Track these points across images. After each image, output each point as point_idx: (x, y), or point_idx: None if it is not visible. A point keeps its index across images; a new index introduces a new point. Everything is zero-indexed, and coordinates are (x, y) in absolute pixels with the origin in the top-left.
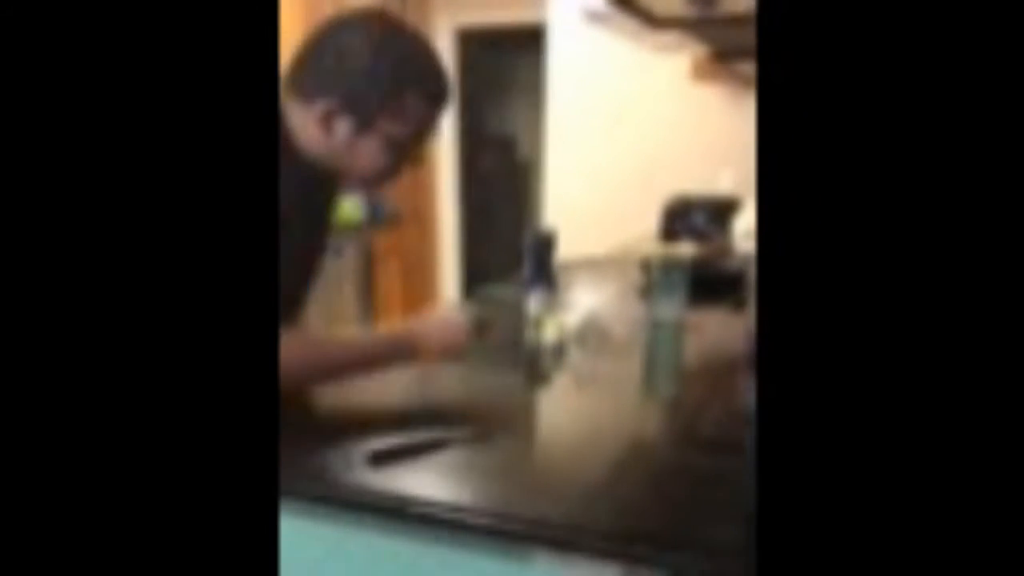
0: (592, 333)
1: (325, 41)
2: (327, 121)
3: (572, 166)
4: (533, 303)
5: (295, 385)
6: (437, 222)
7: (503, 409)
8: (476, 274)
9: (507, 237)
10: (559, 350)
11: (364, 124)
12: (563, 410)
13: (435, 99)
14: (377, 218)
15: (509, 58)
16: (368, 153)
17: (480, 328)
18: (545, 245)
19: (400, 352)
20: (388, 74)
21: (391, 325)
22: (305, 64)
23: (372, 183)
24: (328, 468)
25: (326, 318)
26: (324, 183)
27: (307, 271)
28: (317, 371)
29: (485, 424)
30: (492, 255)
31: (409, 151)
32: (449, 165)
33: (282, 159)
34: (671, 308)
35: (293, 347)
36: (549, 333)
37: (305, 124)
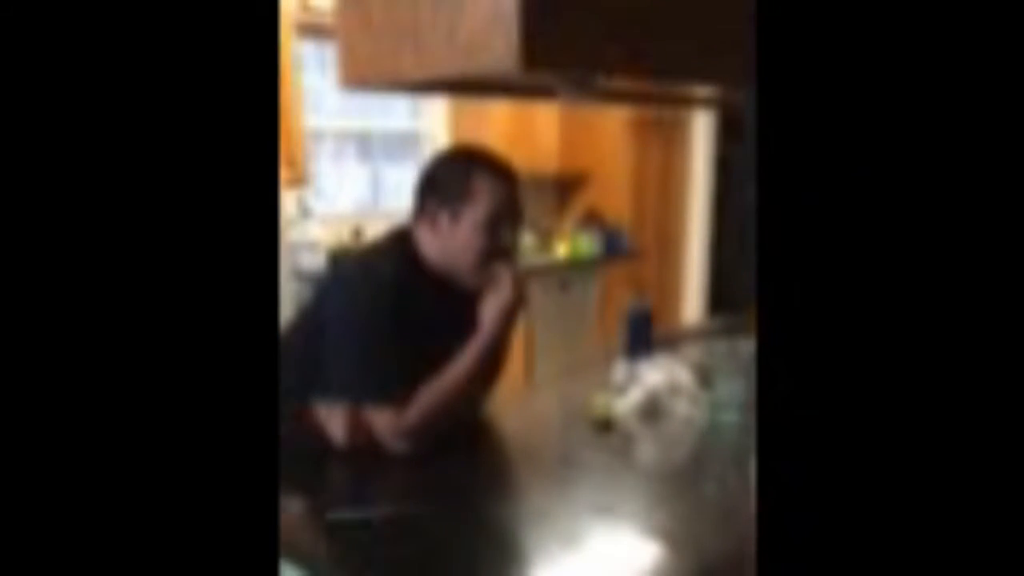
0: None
1: (427, 168)
2: (433, 221)
3: None
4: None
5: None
6: (683, 252)
7: None
8: (723, 311)
9: None
10: None
11: (455, 213)
12: None
13: (501, 177)
14: (614, 251)
15: None
16: (464, 236)
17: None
18: (643, 318)
19: (481, 350)
20: (460, 164)
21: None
22: (419, 190)
23: (474, 274)
24: None
25: (553, 358)
26: (455, 296)
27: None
28: (443, 407)
29: None
30: (742, 291)
31: (498, 232)
32: (701, 191)
33: (418, 279)
34: None
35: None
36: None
37: (424, 235)
